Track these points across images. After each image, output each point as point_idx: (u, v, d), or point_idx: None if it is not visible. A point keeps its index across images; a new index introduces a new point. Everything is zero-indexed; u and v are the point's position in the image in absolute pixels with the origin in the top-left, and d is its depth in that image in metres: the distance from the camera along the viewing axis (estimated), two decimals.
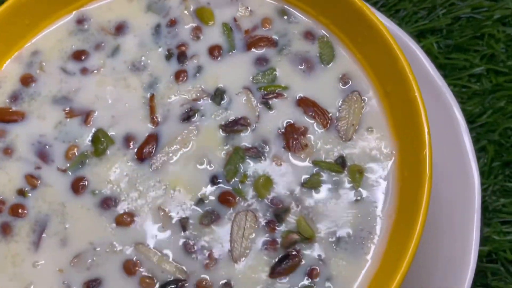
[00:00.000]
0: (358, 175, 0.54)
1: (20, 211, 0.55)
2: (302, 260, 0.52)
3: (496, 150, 0.69)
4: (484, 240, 0.65)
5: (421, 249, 0.62)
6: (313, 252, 0.52)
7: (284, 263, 0.52)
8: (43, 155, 0.56)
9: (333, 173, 0.54)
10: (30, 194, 0.55)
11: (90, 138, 0.57)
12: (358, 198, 0.53)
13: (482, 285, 0.64)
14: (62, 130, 0.57)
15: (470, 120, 0.68)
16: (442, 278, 0.61)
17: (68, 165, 0.56)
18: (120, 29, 0.60)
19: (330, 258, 0.52)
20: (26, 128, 0.58)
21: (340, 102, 0.56)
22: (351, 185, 0.54)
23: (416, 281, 0.61)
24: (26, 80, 0.59)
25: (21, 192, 0.55)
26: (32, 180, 0.55)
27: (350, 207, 0.53)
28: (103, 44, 0.60)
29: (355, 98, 0.56)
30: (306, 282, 0.51)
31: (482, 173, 0.67)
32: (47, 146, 0.57)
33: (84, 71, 0.59)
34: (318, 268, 0.51)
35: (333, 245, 0.52)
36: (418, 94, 0.52)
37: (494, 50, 0.72)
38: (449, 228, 0.62)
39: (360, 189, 0.53)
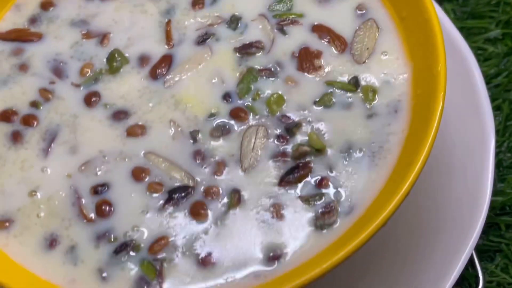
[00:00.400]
0: (371, 94, 0.55)
1: (31, 121, 0.56)
2: (312, 171, 0.52)
3: (511, 109, 0.69)
4: (497, 192, 0.65)
5: (434, 193, 0.62)
6: (323, 164, 0.53)
7: (294, 173, 0.52)
8: (58, 71, 0.58)
9: (346, 92, 0.55)
10: (42, 106, 0.56)
11: (105, 57, 0.58)
12: (371, 115, 0.54)
13: (496, 236, 0.63)
14: (78, 50, 0.59)
15: (486, 81, 0.69)
16: (454, 221, 0.60)
17: (82, 80, 0.57)
18: None
19: (341, 170, 0.52)
20: (42, 47, 0.60)
21: (356, 29, 0.57)
22: (364, 103, 0.55)
23: (428, 224, 0.61)
24: (46, 5, 0.62)
25: (34, 104, 0.57)
26: (45, 93, 0.57)
27: (362, 124, 0.54)
28: None
29: (370, 24, 0.58)
30: (316, 191, 0.51)
31: (497, 132, 0.67)
32: (62, 63, 0.59)
33: None
34: (328, 179, 0.51)
35: (344, 158, 0.52)
36: (433, 13, 0.53)
37: (509, 16, 0.74)
38: (462, 175, 0.62)
39: (373, 107, 0.54)
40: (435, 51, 0.54)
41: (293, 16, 0.60)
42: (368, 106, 0.55)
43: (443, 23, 0.67)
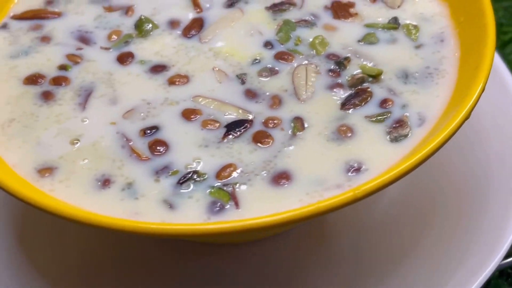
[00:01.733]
0: (413, 30, 0.57)
1: (61, 81, 0.55)
2: (373, 94, 0.52)
3: None
4: None
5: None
6: (382, 88, 0.54)
7: (354, 97, 0.52)
8: (83, 39, 0.59)
9: (389, 30, 0.57)
10: (71, 69, 0.56)
11: (133, 24, 0.59)
12: (418, 45, 0.56)
13: None
14: (102, 21, 0.60)
15: None
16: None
17: (112, 44, 0.57)
18: None
19: (401, 91, 0.53)
20: (63, 22, 0.61)
21: None
22: (409, 37, 0.57)
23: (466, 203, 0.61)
24: None
25: (63, 67, 0.57)
26: (73, 57, 0.57)
27: (412, 53, 0.56)
28: None
29: None
30: (381, 110, 0.51)
31: None
32: (87, 33, 0.58)
33: None
34: (391, 99, 0.52)
35: (402, 81, 0.53)
36: None
37: None
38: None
39: (418, 39, 0.57)
40: None
41: None
42: (413, 39, 0.57)
43: None
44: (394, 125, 0.51)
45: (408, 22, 0.59)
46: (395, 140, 0.50)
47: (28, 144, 0.51)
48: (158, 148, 0.50)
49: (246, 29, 0.59)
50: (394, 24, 0.58)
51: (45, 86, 0.55)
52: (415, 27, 0.58)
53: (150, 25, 0.59)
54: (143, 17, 0.60)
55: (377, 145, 0.50)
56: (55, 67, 0.56)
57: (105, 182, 0.49)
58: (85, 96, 0.54)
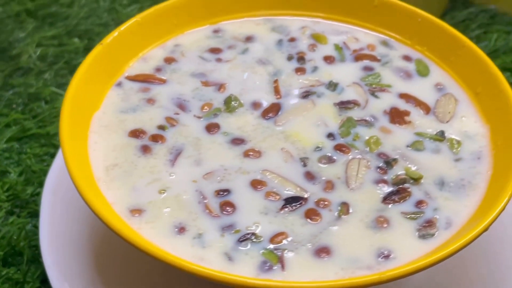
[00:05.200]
0: (456, 144, 0.65)
1: (159, 139, 0.64)
2: (411, 194, 0.60)
3: None
4: None
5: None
6: (420, 190, 0.62)
7: (396, 194, 0.60)
8: (181, 106, 0.68)
9: (435, 141, 0.65)
10: (168, 130, 0.65)
11: (223, 100, 0.68)
12: (458, 159, 0.64)
13: None
14: (199, 93, 0.70)
15: None
16: None
17: (203, 114, 0.67)
18: (249, 39, 0.76)
19: (436, 196, 0.61)
20: (167, 89, 0.70)
21: (437, 99, 0.69)
22: (451, 150, 0.65)
23: None
24: (169, 60, 0.74)
25: (161, 127, 0.66)
26: (171, 120, 0.66)
27: (452, 165, 0.64)
28: (235, 46, 0.75)
29: (448, 96, 0.70)
30: (416, 209, 0.59)
31: None
32: (185, 101, 0.68)
33: (219, 60, 0.74)
34: (426, 201, 0.60)
35: (439, 188, 0.62)
36: (506, 85, 0.66)
37: None
38: None
39: (459, 153, 0.64)
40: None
41: (383, 86, 0.72)
42: (454, 152, 0.65)
43: None
44: (424, 224, 0.59)
45: (453, 136, 0.67)
46: (422, 237, 0.58)
47: (125, 187, 0.61)
48: (227, 208, 0.59)
49: (314, 119, 0.68)
50: (440, 136, 0.67)
51: (145, 140, 0.65)
52: (458, 142, 0.66)
53: (237, 103, 0.69)
54: (232, 96, 0.69)
55: (407, 238, 0.58)
56: (155, 126, 0.66)
57: (181, 230, 0.58)
58: (176, 154, 0.64)
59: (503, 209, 0.57)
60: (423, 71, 0.74)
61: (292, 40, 0.77)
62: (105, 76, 0.70)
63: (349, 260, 0.56)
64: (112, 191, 0.60)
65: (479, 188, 0.62)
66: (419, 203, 0.61)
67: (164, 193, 0.60)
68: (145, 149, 0.64)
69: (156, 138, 0.65)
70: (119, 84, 0.71)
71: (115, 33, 0.71)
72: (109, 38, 0.70)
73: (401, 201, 0.61)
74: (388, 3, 0.77)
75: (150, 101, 0.69)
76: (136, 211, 0.59)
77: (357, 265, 0.56)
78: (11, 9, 1.02)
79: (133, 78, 0.71)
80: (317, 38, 0.77)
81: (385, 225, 0.59)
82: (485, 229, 0.56)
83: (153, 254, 0.53)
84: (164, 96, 0.70)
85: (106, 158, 0.63)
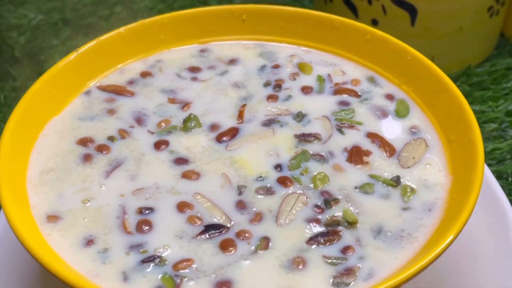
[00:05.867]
0: (409, 193, 0.60)
1: (104, 149, 0.63)
2: (341, 238, 0.56)
3: None
4: None
5: None
6: (352, 235, 0.57)
7: (323, 235, 0.56)
8: (139, 120, 0.67)
9: (387, 186, 0.60)
10: (117, 141, 0.64)
11: (183, 118, 0.66)
12: (406, 208, 0.58)
13: None
14: (162, 109, 0.68)
15: None
16: None
17: (158, 130, 0.65)
18: (233, 61, 0.74)
19: (367, 244, 0.56)
20: (132, 101, 0.70)
21: (406, 143, 0.64)
22: (402, 198, 0.59)
23: None
24: (145, 74, 0.73)
25: (111, 138, 0.65)
26: (123, 132, 0.65)
27: (397, 213, 0.59)
28: (215, 66, 0.73)
29: (419, 142, 0.64)
30: (340, 255, 0.54)
31: None
32: (144, 115, 0.67)
33: (194, 79, 0.72)
34: (354, 248, 0.55)
35: (373, 235, 0.56)
36: (478, 135, 0.60)
37: None
38: None
39: (409, 202, 0.59)
40: (475, 166, 0.58)
41: (352, 122, 0.67)
42: (405, 200, 0.60)
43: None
44: (342, 272, 0.54)
45: (409, 183, 0.61)
46: (336, 285, 0.53)
47: (52, 193, 0.60)
48: (143, 227, 0.57)
49: (268, 148, 0.64)
50: (395, 182, 0.61)
51: (91, 149, 0.64)
52: (413, 190, 0.60)
53: (194, 123, 0.67)
54: (192, 115, 0.67)
55: (319, 284, 0.53)
56: (105, 137, 0.66)
57: (89, 242, 0.56)
58: (114, 166, 0.62)
59: (422, 268, 0.51)
60: (402, 112, 0.68)
61: (276, 66, 0.74)
62: (75, 83, 0.70)
63: None
64: (39, 195, 0.60)
65: (417, 241, 0.56)
66: (346, 249, 0.56)
67: (87, 203, 0.59)
68: (87, 158, 0.63)
69: (101, 149, 0.64)
70: (87, 93, 0.71)
71: (93, 42, 0.71)
72: (85, 47, 0.71)
73: (327, 244, 0.56)
74: (380, 38, 0.73)
75: (111, 111, 0.68)
76: (53, 218, 0.58)
77: None
78: (51, 17, 1.06)
79: (103, 88, 0.71)
80: (302, 68, 0.74)
81: (300, 267, 0.54)
82: (401, 283, 0.51)
83: (38, 259, 0.52)
84: (126, 108, 0.69)
85: (46, 162, 0.63)
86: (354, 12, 0.97)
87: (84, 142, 0.65)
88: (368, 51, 0.73)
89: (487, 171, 0.73)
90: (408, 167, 0.63)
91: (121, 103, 0.69)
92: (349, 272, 0.54)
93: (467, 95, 0.95)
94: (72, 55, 0.70)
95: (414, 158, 0.63)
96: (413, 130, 0.67)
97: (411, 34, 0.96)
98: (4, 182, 0.57)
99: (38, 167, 0.62)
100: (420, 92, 0.69)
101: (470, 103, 0.88)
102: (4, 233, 0.67)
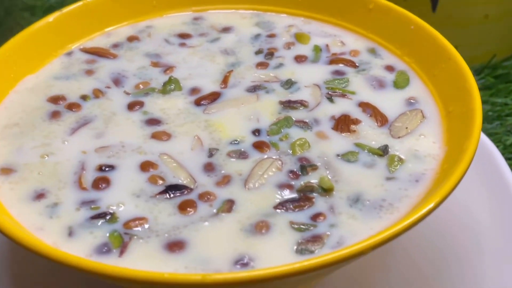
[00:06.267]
0: (396, 162, 0.54)
1: (75, 107, 0.59)
2: (313, 204, 0.50)
3: None
4: None
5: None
6: (326, 203, 0.51)
7: (293, 201, 0.50)
8: (117, 81, 0.64)
9: (373, 156, 0.54)
10: (90, 100, 0.60)
11: (163, 81, 0.62)
12: (391, 178, 0.52)
13: None
14: (142, 72, 0.65)
15: None
16: None
17: (134, 92, 0.61)
18: (226, 29, 0.70)
19: (341, 212, 0.50)
20: (113, 64, 0.66)
21: (401, 113, 0.58)
22: (388, 167, 0.53)
23: None
24: (132, 38, 0.69)
25: (84, 97, 0.61)
26: (98, 92, 0.62)
27: (380, 183, 0.53)
28: (207, 34, 0.68)
29: (415, 112, 0.58)
30: (309, 221, 0.49)
31: None
32: (123, 77, 0.63)
33: (182, 45, 0.68)
34: (326, 215, 0.49)
35: (349, 204, 0.50)
36: (478, 103, 0.54)
37: None
38: None
39: (395, 172, 0.53)
40: (471, 134, 0.52)
41: (345, 91, 0.62)
42: (391, 170, 0.54)
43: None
44: (309, 239, 0.48)
45: (397, 153, 0.55)
46: (299, 252, 0.47)
47: (12, 146, 0.56)
48: (100, 184, 0.53)
49: (249, 113, 0.59)
50: (382, 151, 0.55)
51: (60, 107, 0.60)
52: (401, 160, 0.54)
53: (173, 86, 0.62)
54: (172, 78, 0.63)
55: (280, 250, 0.48)
56: (78, 95, 0.62)
57: (39, 196, 0.52)
58: (82, 124, 0.58)
59: (391, 236, 0.45)
60: (400, 83, 0.62)
61: (271, 36, 0.69)
62: (57, 44, 0.67)
63: (198, 260, 0.47)
64: None
65: (397, 212, 0.50)
66: (316, 215, 0.50)
67: (45, 158, 0.55)
68: (54, 115, 0.60)
69: (72, 107, 0.60)
70: (69, 54, 0.67)
71: (79, 3, 0.68)
72: (70, 7, 0.67)
73: (296, 209, 0.50)
74: (383, 6, 0.67)
75: (89, 72, 0.65)
76: (6, 170, 0.54)
77: (204, 267, 0.47)
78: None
79: (86, 50, 0.68)
80: (299, 38, 0.69)
81: (263, 231, 0.49)
82: (359, 251, 0.44)
83: None
84: (105, 69, 0.65)
85: (12, 117, 0.59)
86: None
87: (55, 99, 0.61)
88: (371, 21, 0.68)
89: (501, 161, 0.67)
90: (399, 137, 0.57)
91: (101, 65, 0.66)
92: (316, 239, 0.48)
93: (490, 87, 0.87)
94: (54, 15, 0.66)
95: (407, 128, 0.57)
96: (410, 101, 0.60)
97: (432, 22, 0.89)
98: None
99: (3, 121, 0.59)
100: (422, 62, 0.63)
101: (493, 95, 0.82)
102: None
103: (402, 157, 0.55)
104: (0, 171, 0.54)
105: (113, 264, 0.46)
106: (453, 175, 0.49)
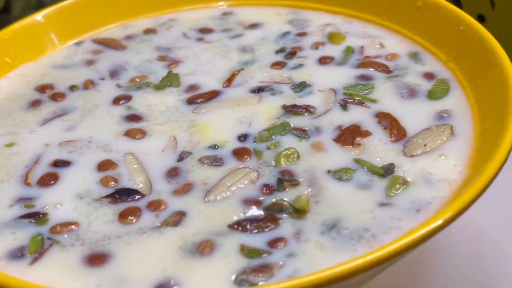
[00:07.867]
0: (400, 185, 0.42)
1: (58, 97, 0.54)
2: (278, 227, 0.40)
3: None
4: None
5: None
6: (294, 225, 0.40)
7: (254, 220, 0.40)
8: (113, 72, 0.58)
9: (372, 175, 0.43)
10: (78, 91, 0.54)
11: (162, 76, 0.54)
12: (385, 204, 0.41)
13: None
14: (145, 65, 0.58)
15: None
16: None
17: (127, 85, 0.54)
18: (253, 26, 0.62)
19: (308, 239, 0.39)
20: (118, 55, 0.61)
21: (426, 128, 0.46)
22: (385, 192, 0.42)
23: None
24: (148, 31, 0.62)
25: (72, 87, 0.55)
26: (89, 83, 0.56)
27: (369, 208, 0.42)
28: (231, 29, 0.61)
29: (443, 128, 0.46)
30: (264, 247, 0.39)
31: None
32: (122, 69, 0.57)
33: (199, 39, 0.61)
34: (287, 242, 0.39)
35: (323, 229, 0.39)
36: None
37: None
38: None
39: (393, 198, 0.41)
40: (494, 156, 0.39)
41: (365, 99, 0.51)
42: (388, 194, 0.42)
43: None
44: (257, 268, 0.38)
45: (403, 175, 0.43)
46: (238, 283, 0.37)
47: None
48: (48, 180, 0.46)
49: (242, 116, 0.50)
50: (384, 170, 0.44)
51: (44, 97, 0.55)
52: (406, 183, 0.42)
53: (171, 82, 0.54)
54: (172, 73, 0.55)
55: (216, 277, 0.38)
56: (68, 86, 0.56)
57: None
58: (58, 115, 0.52)
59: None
60: (437, 93, 0.50)
61: (301, 34, 0.60)
62: (66, 33, 0.62)
63: (115, 279, 0.38)
64: None
65: (379, 246, 0.38)
66: (276, 240, 0.40)
67: (10, 147, 0.49)
68: (34, 104, 0.54)
69: (56, 96, 0.55)
70: (78, 43, 0.62)
71: None
72: None
73: (255, 231, 0.40)
74: (433, 4, 0.55)
75: (90, 62, 0.59)
76: None
77: (120, 287, 0.38)
78: None
79: (97, 41, 0.62)
80: (332, 38, 0.59)
81: (205, 252, 0.39)
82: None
83: None
84: (107, 61, 0.59)
85: None
86: (456, 3, 0.79)
87: (43, 88, 0.56)
88: (418, 21, 0.56)
89: None
90: (412, 156, 0.45)
91: (105, 56, 0.59)
92: (264, 269, 0.38)
93: None
94: (69, 3, 0.61)
95: (425, 145, 0.45)
96: (442, 114, 0.48)
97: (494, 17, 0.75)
98: None
99: None
100: (468, 70, 0.51)
101: None
102: None
103: (409, 179, 0.43)
104: None
105: (20, 271, 0.39)
106: (453, 204, 0.37)
